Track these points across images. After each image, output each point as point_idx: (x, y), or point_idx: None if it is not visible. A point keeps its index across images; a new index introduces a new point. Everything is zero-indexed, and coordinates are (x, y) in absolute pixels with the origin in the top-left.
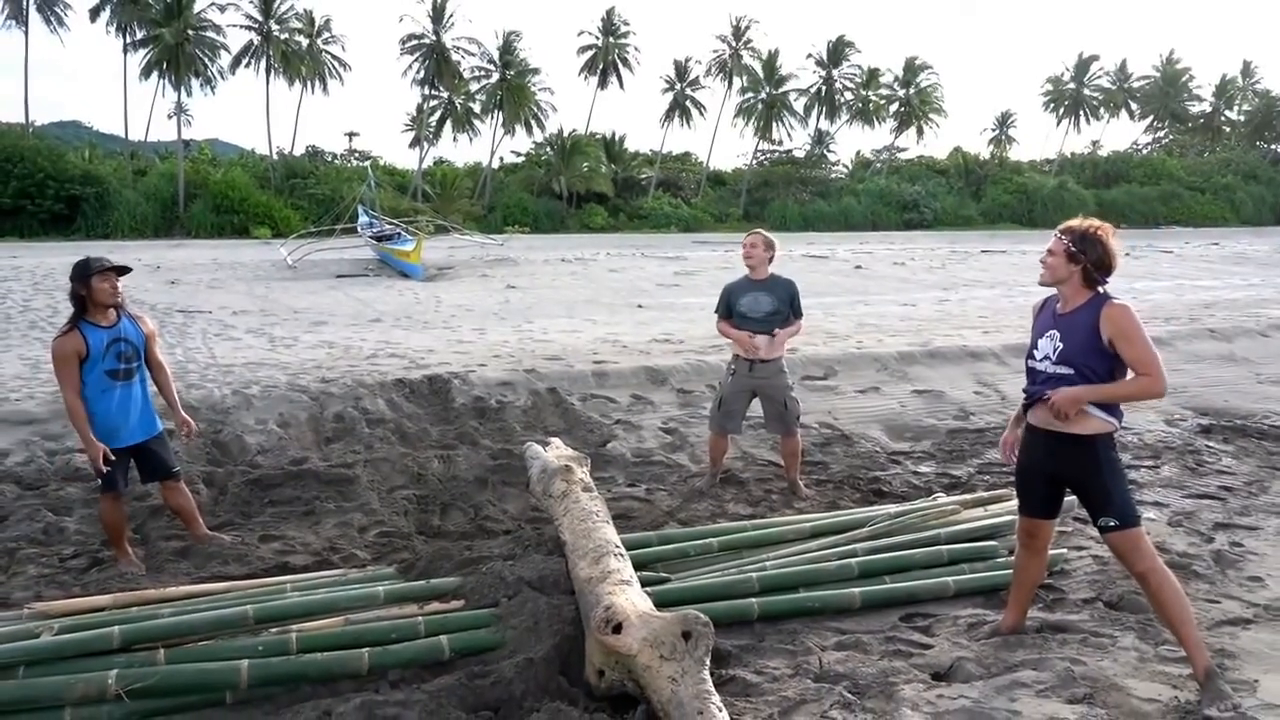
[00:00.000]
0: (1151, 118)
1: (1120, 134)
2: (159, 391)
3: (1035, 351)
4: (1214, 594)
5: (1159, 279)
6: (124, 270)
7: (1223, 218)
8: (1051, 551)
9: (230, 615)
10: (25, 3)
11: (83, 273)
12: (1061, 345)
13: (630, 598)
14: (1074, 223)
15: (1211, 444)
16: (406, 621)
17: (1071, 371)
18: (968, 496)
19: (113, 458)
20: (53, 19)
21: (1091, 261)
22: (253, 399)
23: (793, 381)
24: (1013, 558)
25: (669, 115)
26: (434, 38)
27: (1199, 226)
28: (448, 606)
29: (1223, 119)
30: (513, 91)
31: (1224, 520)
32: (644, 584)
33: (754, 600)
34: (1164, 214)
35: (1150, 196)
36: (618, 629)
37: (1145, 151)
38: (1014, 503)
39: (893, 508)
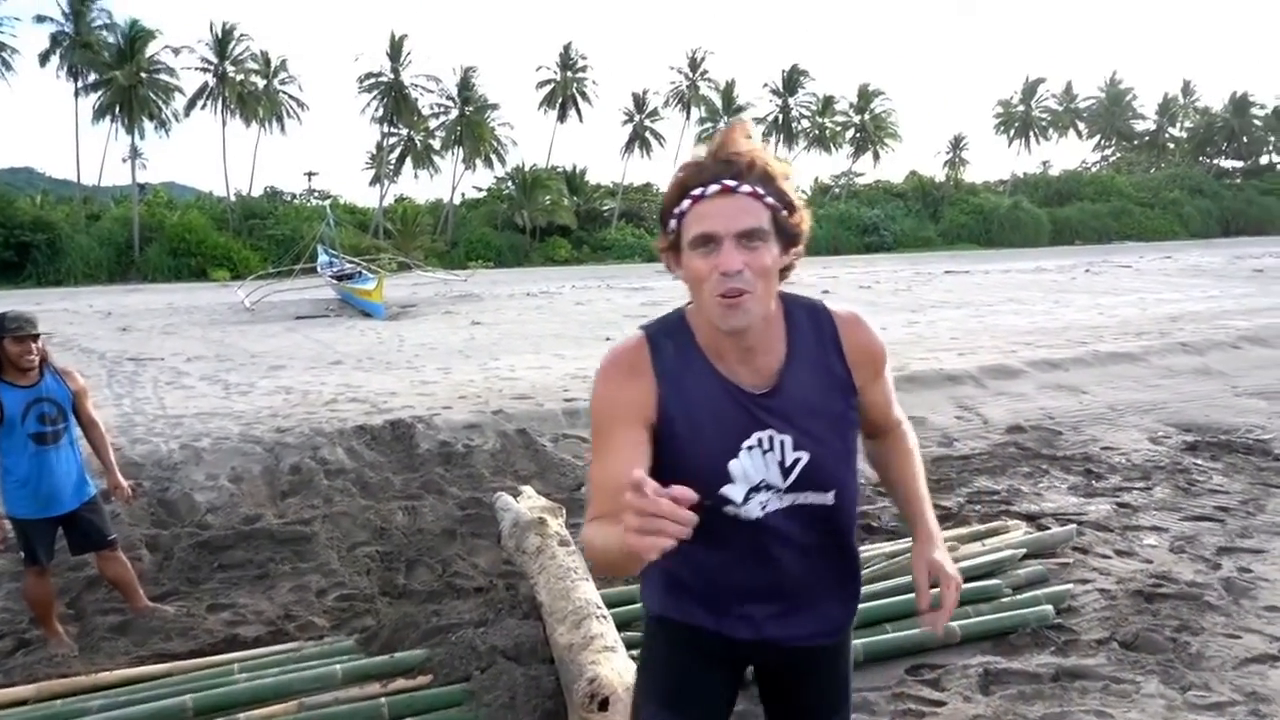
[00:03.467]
0: (1099, 137)
1: (1069, 153)
2: (94, 452)
3: (730, 488)
4: (1232, 628)
5: (1121, 294)
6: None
7: (1172, 231)
8: (1058, 587)
9: (167, 708)
10: None
11: None
12: (805, 455)
13: (616, 667)
14: (733, 143)
15: (1199, 461)
16: (368, 704)
17: (831, 497)
18: (963, 531)
19: (11, 535)
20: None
21: (791, 231)
22: (203, 453)
23: None
24: (1017, 596)
25: (629, 146)
26: (392, 75)
27: (1150, 240)
28: (414, 683)
29: (1167, 136)
30: (472, 127)
31: (1226, 544)
32: (630, 647)
33: None
34: (1115, 229)
35: (1102, 213)
36: (604, 705)
37: (1094, 169)
38: (1014, 535)
39: (887, 546)
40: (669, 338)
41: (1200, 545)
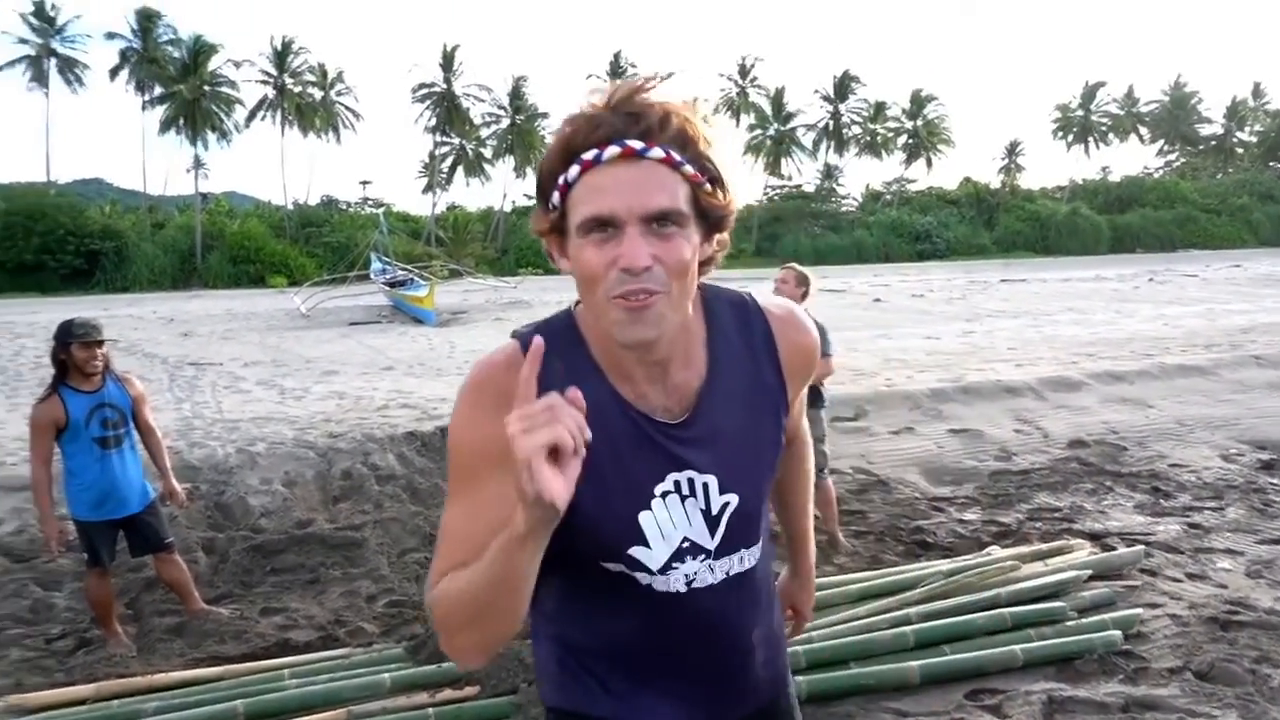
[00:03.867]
0: (1162, 141)
1: (1131, 158)
2: (150, 458)
3: (642, 550)
4: None
5: (1187, 304)
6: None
7: (1240, 239)
8: (1125, 611)
9: (219, 712)
10: (46, 64)
11: (64, 338)
12: (734, 498)
13: None
14: (641, 91)
15: (1276, 481)
16: (416, 714)
17: (759, 549)
18: (1025, 549)
19: (70, 537)
20: (73, 79)
21: (716, 212)
22: (258, 457)
23: (825, 430)
24: (1082, 620)
25: None
26: (444, 86)
27: (1217, 249)
28: (461, 694)
29: (1235, 140)
30: (523, 135)
31: None
32: None
33: (800, 678)
34: (1180, 237)
35: (1165, 220)
36: None
37: (1157, 175)
38: (1078, 555)
39: (944, 564)
40: (554, 351)
41: (1279, 570)
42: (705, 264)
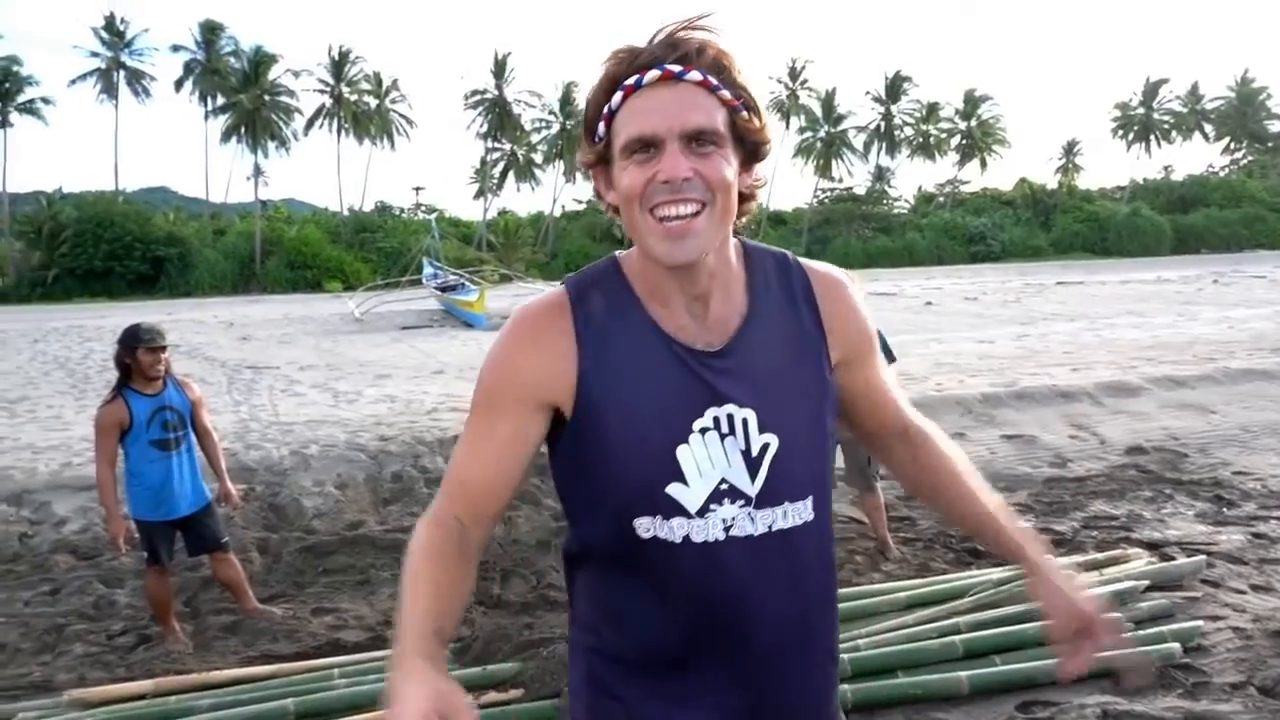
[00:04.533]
0: (1228, 139)
1: (1195, 157)
2: (207, 460)
3: (680, 488)
4: None
5: (1255, 306)
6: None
7: None
8: (1185, 623)
9: (269, 710)
10: (116, 77)
11: (130, 342)
12: (774, 439)
13: None
14: (680, 25)
15: None
16: None
17: (810, 507)
18: (1080, 558)
19: (136, 534)
20: (140, 91)
21: (752, 139)
22: (311, 459)
23: None
24: (1140, 632)
25: None
26: (496, 92)
27: None
28: (506, 696)
29: None
30: (573, 140)
31: None
32: None
33: (846, 687)
34: (1247, 237)
35: (1231, 220)
36: None
37: (1223, 174)
38: (1135, 565)
39: (995, 573)
40: (596, 288)
41: None
42: (746, 200)
